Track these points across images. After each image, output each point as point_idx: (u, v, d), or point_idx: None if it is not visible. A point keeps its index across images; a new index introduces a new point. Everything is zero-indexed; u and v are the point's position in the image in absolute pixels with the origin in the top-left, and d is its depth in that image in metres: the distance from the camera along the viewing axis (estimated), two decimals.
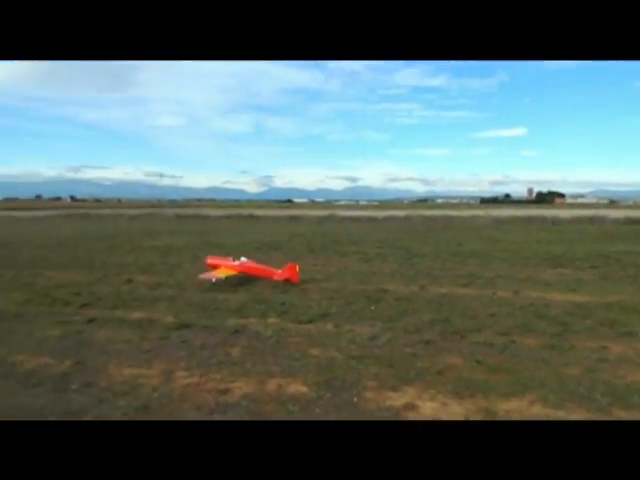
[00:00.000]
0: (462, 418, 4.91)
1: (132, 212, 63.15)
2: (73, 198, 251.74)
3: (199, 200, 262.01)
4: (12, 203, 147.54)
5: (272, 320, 8.74)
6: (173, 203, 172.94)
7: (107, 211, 71.50)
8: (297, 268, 12.68)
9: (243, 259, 13.26)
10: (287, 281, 12.39)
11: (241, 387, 5.74)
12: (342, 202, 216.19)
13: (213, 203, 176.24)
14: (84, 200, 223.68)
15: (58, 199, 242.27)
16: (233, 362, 6.57)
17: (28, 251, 19.66)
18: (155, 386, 5.76)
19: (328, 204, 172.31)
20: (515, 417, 4.82)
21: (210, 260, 13.52)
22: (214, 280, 12.07)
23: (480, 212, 61.37)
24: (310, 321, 8.64)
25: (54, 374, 6.12)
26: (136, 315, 9.06)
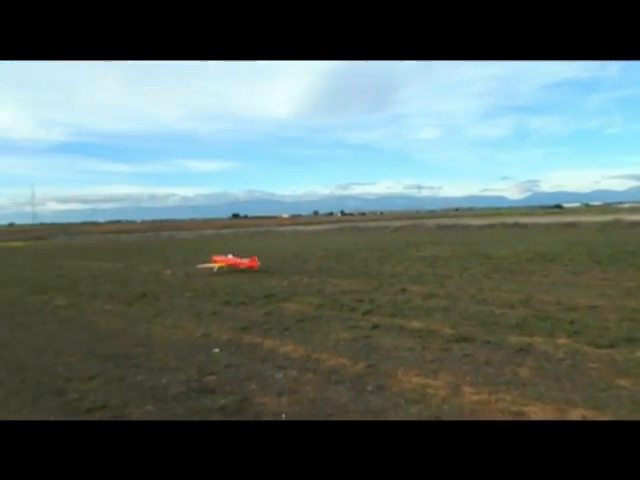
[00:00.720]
0: None
1: (396, 224, 66.52)
2: (342, 213, 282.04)
3: (457, 209, 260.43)
4: (297, 219, 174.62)
5: (562, 341, 7.81)
6: (432, 213, 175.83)
7: (372, 223, 77.25)
8: (256, 259, 19.07)
9: (230, 255, 20.68)
10: (250, 268, 18.83)
11: (536, 412, 5.24)
12: (627, 204, 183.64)
13: (472, 212, 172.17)
14: (351, 214, 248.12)
15: (331, 214, 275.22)
16: (523, 383, 6.09)
17: (315, 261, 22.65)
18: (444, 398, 5.74)
19: (608, 207, 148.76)
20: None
21: (214, 257, 20.58)
22: (215, 270, 19.04)
23: None
24: (611, 345, 7.40)
25: (351, 374, 6.73)
26: (414, 324, 9.33)
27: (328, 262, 21.78)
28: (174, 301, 13.21)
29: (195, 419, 5.14)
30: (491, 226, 52.01)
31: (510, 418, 5.09)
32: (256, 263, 18.86)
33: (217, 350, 8.25)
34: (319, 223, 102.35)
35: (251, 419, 5.04)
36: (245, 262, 19.29)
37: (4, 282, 19.20)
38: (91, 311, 12.37)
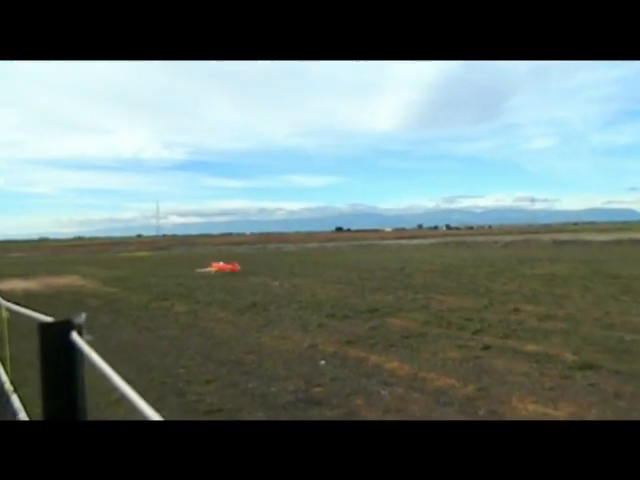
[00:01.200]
0: None
1: (507, 238, 63.03)
2: (448, 226, 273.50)
3: (576, 224, 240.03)
4: (400, 232, 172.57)
5: None
6: (547, 228, 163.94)
7: (480, 238, 73.88)
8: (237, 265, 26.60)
9: (221, 263, 27.35)
10: (232, 270, 25.97)
11: None
12: None
13: (593, 226, 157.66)
14: (458, 228, 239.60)
15: (435, 228, 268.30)
16: None
17: (420, 276, 22.18)
18: None
19: None
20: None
21: (213, 264, 27.26)
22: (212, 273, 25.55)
23: None
24: None
25: (460, 396, 6.44)
26: (530, 347, 8.70)
27: (433, 277, 21.21)
28: (281, 312, 13.69)
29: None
30: (618, 242, 47.18)
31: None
32: (236, 267, 26.48)
33: (323, 362, 8.38)
34: (423, 237, 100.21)
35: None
36: (228, 267, 26.51)
37: (134, 288, 21.29)
38: (207, 318, 13.24)
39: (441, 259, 33.80)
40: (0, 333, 4.56)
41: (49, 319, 1.52)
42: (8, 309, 3.30)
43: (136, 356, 9.29)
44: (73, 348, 1.42)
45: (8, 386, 3.47)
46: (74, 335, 1.39)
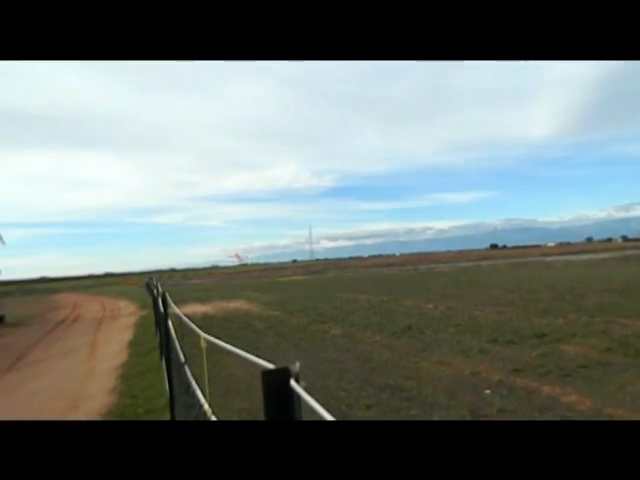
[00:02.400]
0: None
1: None
2: (625, 238, 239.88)
3: None
4: (565, 247, 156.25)
5: None
6: None
7: None
8: None
9: None
10: None
11: None
12: None
13: None
14: (637, 239, 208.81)
15: (609, 240, 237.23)
16: None
17: (594, 295, 19.75)
18: None
19: None
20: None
21: None
22: None
23: None
24: None
25: None
26: None
27: (611, 297, 18.70)
28: (438, 335, 13.27)
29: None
30: None
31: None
32: None
33: (488, 391, 7.88)
34: (594, 251, 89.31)
35: None
36: None
37: (293, 312, 22.58)
38: (363, 341, 13.42)
39: (620, 276, 29.69)
40: (199, 362, 5.12)
41: (267, 364, 1.75)
42: (207, 340, 3.66)
43: (302, 377, 9.78)
44: (291, 393, 1.68)
45: (207, 408, 3.83)
46: (292, 382, 1.65)
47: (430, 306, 20.61)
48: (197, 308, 27.15)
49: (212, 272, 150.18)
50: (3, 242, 35.27)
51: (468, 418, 6.64)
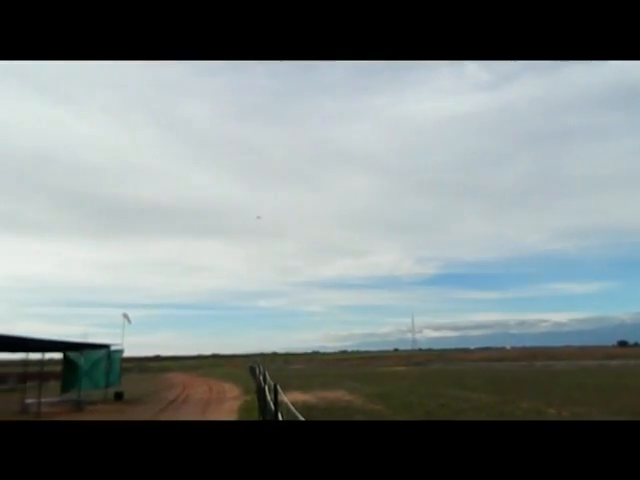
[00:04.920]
0: None
1: None
2: None
3: None
4: None
5: None
6: None
7: None
8: None
9: None
10: None
11: None
12: None
13: None
14: None
15: None
16: None
17: None
18: None
19: None
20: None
21: None
22: None
23: None
24: None
25: None
26: None
27: None
28: None
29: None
30: None
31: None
32: None
33: None
34: None
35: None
36: None
37: (396, 407, 21.40)
38: None
39: None
40: None
41: None
42: None
43: None
44: None
45: None
46: None
47: (552, 411, 18.41)
48: (298, 396, 26.86)
49: (312, 358, 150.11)
50: (129, 321, 38.58)
51: None
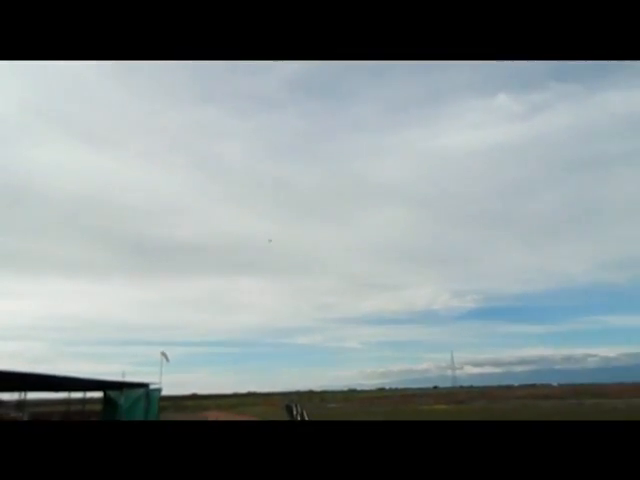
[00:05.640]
0: None
1: None
2: None
3: None
4: None
5: None
6: None
7: None
8: None
9: None
10: None
11: None
12: None
13: None
14: None
15: None
16: None
17: None
18: None
19: None
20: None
21: None
22: None
23: None
24: None
25: None
26: None
27: None
28: None
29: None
30: None
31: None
32: None
33: None
34: None
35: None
36: None
37: None
38: None
39: None
40: None
41: None
42: None
43: None
44: None
45: None
46: None
47: None
48: None
49: (350, 396, 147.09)
50: (167, 360, 38.92)
51: None
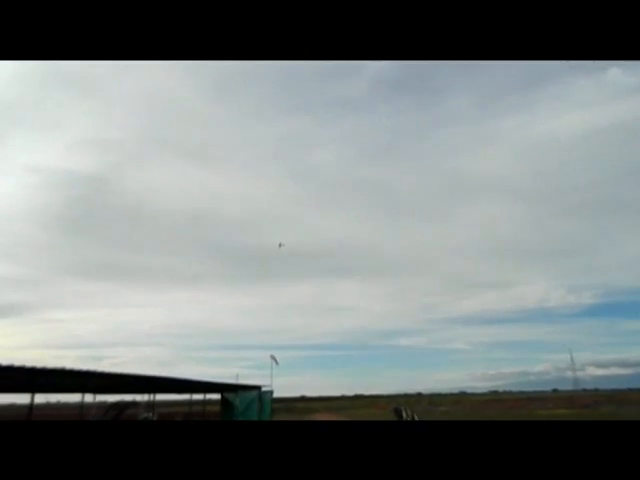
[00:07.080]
0: None
1: None
2: None
3: None
4: None
5: None
6: None
7: None
8: None
9: None
10: None
11: None
12: None
13: None
14: None
15: None
16: None
17: None
18: None
19: None
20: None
21: None
22: None
23: None
24: None
25: None
26: None
27: None
28: None
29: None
30: None
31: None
32: None
33: None
34: None
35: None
36: None
37: None
38: None
39: None
40: None
41: None
42: None
43: None
44: None
45: None
46: None
47: None
48: None
49: (460, 399, 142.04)
50: (277, 362, 40.53)
51: None
